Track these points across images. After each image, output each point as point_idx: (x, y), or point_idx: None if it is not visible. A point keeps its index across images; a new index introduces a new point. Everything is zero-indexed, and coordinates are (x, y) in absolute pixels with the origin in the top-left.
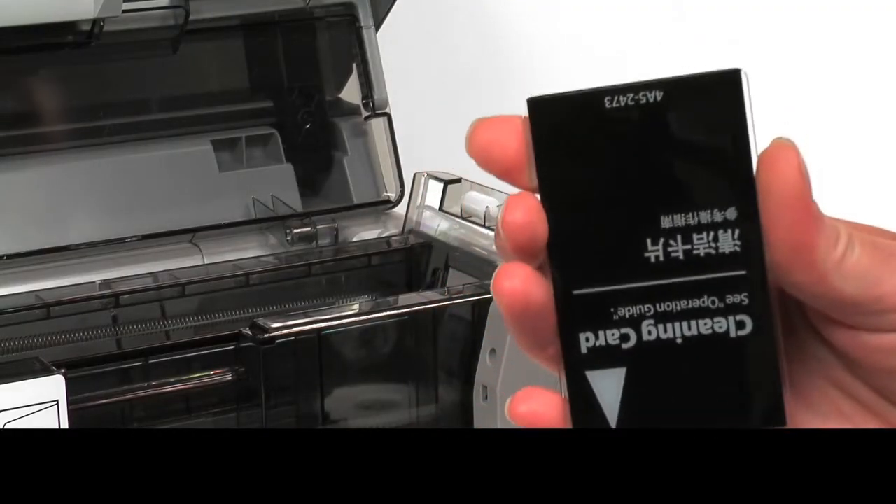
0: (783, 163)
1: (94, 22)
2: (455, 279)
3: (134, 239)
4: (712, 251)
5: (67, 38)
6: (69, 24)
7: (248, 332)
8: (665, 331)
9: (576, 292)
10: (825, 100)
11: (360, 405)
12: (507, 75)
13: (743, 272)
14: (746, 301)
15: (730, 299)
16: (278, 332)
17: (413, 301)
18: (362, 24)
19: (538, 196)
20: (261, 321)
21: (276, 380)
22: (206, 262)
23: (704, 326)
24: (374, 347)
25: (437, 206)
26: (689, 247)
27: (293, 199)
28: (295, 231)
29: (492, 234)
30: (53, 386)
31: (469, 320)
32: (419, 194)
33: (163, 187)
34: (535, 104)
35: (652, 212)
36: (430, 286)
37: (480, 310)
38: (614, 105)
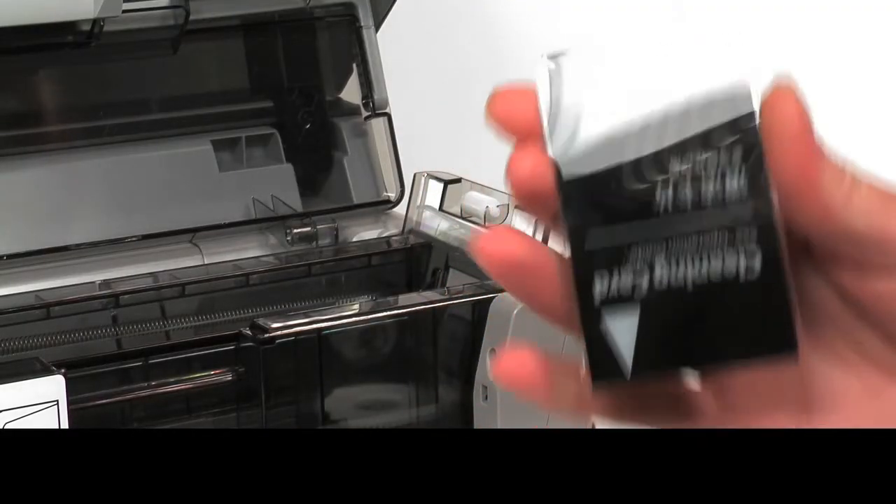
0: (783, 102)
1: (94, 22)
2: (455, 279)
3: (134, 239)
4: (721, 192)
5: (67, 38)
6: (69, 24)
7: (248, 332)
8: (678, 272)
9: (588, 237)
10: (826, 99)
11: (360, 405)
12: (507, 75)
13: (751, 212)
14: (756, 240)
15: (740, 239)
16: (278, 332)
17: (413, 301)
18: (362, 24)
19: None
20: (261, 321)
21: (276, 380)
22: (206, 262)
23: (716, 266)
24: (374, 347)
25: (437, 206)
26: (698, 188)
27: (293, 199)
28: (295, 231)
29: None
30: (53, 386)
31: (469, 320)
32: (419, 194)
33: (163, 187)
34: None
35: (662, 155)
36: (430, 286)
37: (480, 310)
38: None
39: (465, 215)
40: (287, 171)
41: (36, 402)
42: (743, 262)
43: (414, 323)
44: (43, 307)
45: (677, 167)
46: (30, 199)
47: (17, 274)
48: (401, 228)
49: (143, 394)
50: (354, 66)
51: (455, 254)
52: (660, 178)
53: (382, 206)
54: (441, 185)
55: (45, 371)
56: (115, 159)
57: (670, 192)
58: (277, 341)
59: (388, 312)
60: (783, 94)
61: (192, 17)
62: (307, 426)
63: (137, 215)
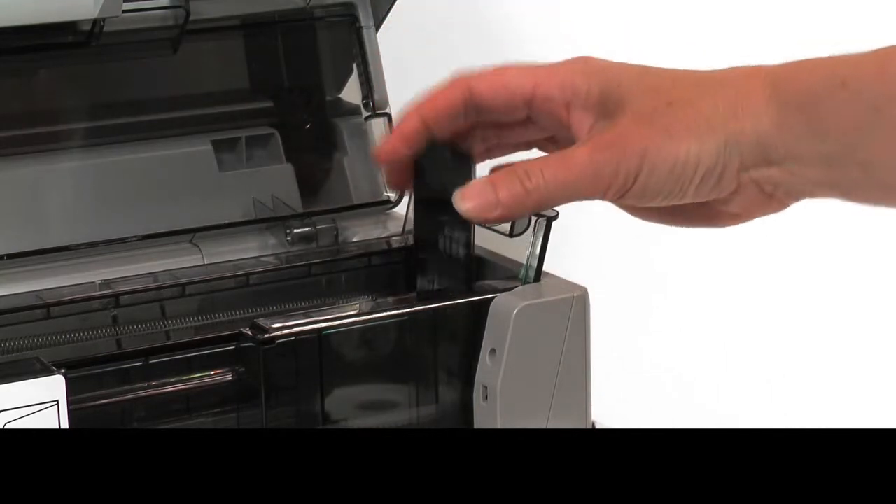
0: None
1: (94, 22)
2: None
3: (134, 239)
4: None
5: (67, 38)
6: (69, 24)
7: (249, 332)
8: (455, 244)
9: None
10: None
11: (360, 405)
12: None
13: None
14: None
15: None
16: (278, 332)
17: (413, 301)
18: (362, 24)
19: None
20: (261, 321)
21: (276, 380)
22: (206, 262)
23: (454, 248)
24: (374, 347)
25: None
26: (466, 234)
27: (293, 199)
28: (295, 231)
29: (491, 234)
30: (53, 386)
31: (469, 320)
32: None
33: (163, 187)
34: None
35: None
36: None
37: (480, 310)
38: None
39: None
40: (287, 171)
41: (36, 402)
42: (460, 250)
43: (414, 323)
44: (43, 307)
45: (450, 225)
46: (30, 199)
47: (17, 274)
48: (401, 228)
49: (143, 394)
50: (354, 66)
51: None
52: (444, 228)
53: (382, 206)
54: None
55: (45, 371)
56: (115, 159)
57: (445, 241)
58: (277, 341)
59: (388, 312)
60: (459, 205)
61: (192, 17)
62: (307, 426)
63: (137, 215)
